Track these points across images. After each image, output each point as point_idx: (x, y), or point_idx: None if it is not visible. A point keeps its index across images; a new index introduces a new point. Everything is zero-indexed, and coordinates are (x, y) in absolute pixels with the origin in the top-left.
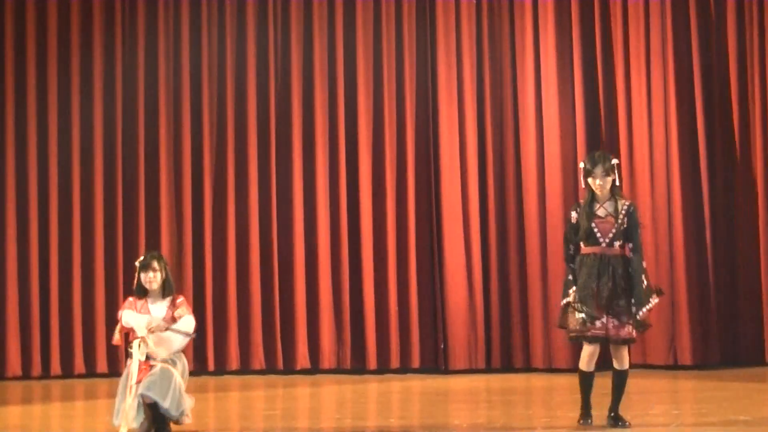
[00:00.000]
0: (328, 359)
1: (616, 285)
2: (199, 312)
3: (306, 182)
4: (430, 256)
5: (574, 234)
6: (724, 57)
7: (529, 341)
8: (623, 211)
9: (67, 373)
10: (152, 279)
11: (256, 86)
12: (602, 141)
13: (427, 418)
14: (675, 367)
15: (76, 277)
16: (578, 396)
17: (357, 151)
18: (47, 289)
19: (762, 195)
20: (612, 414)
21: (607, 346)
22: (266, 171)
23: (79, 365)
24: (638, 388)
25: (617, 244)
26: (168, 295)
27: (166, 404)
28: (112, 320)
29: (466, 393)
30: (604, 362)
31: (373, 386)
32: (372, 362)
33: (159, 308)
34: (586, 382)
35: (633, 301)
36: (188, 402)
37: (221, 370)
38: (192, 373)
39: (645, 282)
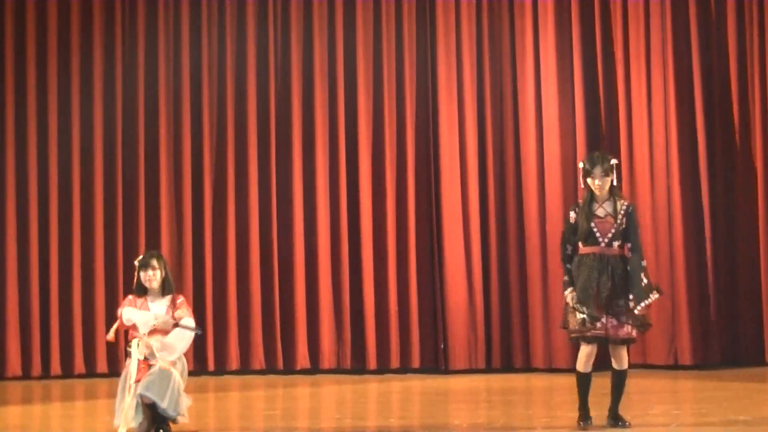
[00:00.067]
0: (328, 359)
1: (615, 285)
2: (199, 312)
3: (306, 182)
4: (430, 256)
5: (572, 234)
6: (724, 57)
7: (529, 341)
8: (622, 212)
9: (67, 373)
10: (152, 277)
11: (256, 86)
12: (602, 141)
13: (427, 418)
14: (675, 367)
15: (76, 277)
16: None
17: (357, 151)
18: (47, 289)
19: (762, 195)
20: (612, 414)
21: (605, 346)
22: (266, 171)
23: (79, 365)
24: (638, 388)
25: (616, 244)
26: (167, 294)
27: (164, 404)
28: (112, 320)
29: (466, 393)
30: (603, 362)
31: (373, 386)
32: (372, 362)
33: (159, 307)
34: (584, 383)
35: (630, 297)
36: (186, 402)
37: (221, 370)
38: (192, 373)
39: (645, 280)
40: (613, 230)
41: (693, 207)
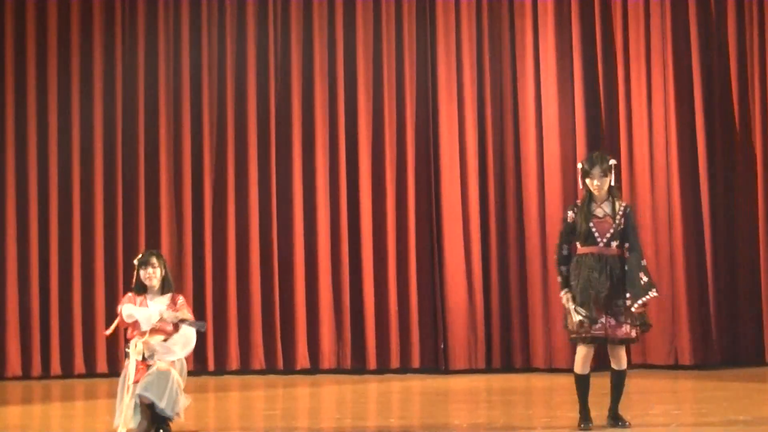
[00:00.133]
0: (328, 359)
1: (613, 284)
2: (199, 312)
3: (306, 182)
4: (430, 256)
5: (569, 233)
6: (724, 57)
7: (529, 341)
8: (620, 212)
9: (67, 373)
10: (152, 275)
11: (256, 86)
12: (602, 141)
13: (427, 418)
14: (675, 367)
15: (76, 277)
16: None
17: (357, 151)
18: (47, 289)
19: (762, 195)
20: (612, 414)
21: (604, 346)
22: (266, 171)
23: (79, 365)
24: (638, 388)
25: (614, 244)
26: (167, 293)
27: (162, 404)
28: (111, 320)
29: (466, 393)
30: (603, 362)
31: (373, 386)
32: (372, 362)
33: (158, 306)
34: (582, 384)
35: (627, 295)
36: (183, 402)
37: (221, 370)
38: (192, 373)
39: (645, 278)
40: (611, 230)
41: (693, 207)
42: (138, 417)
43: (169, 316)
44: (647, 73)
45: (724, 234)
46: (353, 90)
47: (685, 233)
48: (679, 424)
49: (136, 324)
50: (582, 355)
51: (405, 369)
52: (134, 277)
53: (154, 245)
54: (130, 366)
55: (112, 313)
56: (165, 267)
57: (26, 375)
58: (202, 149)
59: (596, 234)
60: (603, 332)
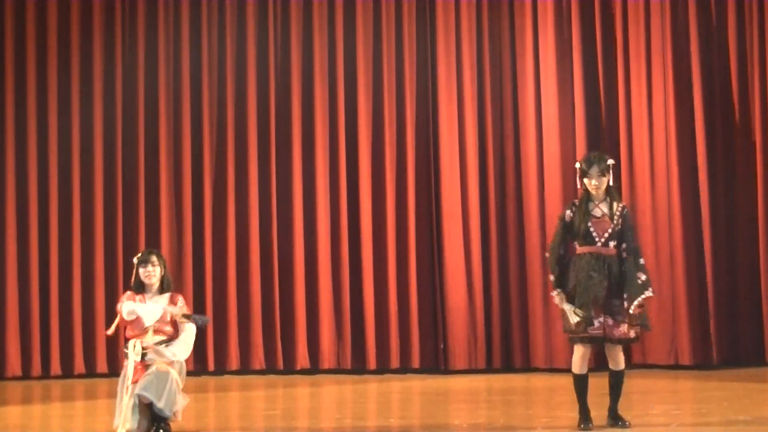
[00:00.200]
0: (328, 359)
1: (611, 284)
2: (199, 312)
3: (306, 182)
4: (430, 256)
5: (566, 232)
6: (724, 57)
7: (529, 341)
8: (618, 213)
9: (67, 373)
10: (151, 273)
11: (256, 86)
12: (602, 141)
13: (427, 418)
14: (675, 367)
15: (76, 277)
16: None
17: (357, 151)
18: (47, 289)
19: (762, 195)
20: (611, 414)
21: (602, 346)
22: (266, 171)
23: (79, 365)
24: (638, 388)
25: (612, 244)
26: (166, 292)
27: (160, 404)
28: (111, 320)
29: (466, 393)
30: (603, 362)
31: (373, 386)
32: (372, 362)
33: (152, 309)
34: (581, 384)
35: (624, 296)
36: (182, 401)
37: (221, 370)
38: (192, 373)
39: (643, 277)
40: (609, 230)
41: (693, 207)
42: (137, 417)
43: (173, 310)
44: (647, 73)
45: (724, 234)
46: (353, 90)
47: (685, 233)
48: (679, 424)
49: (135, 323)
50: (579, 355)
51: (405, 369)
52: (133, 276)
53: (154, 245)
54: (129, 366)
55: (112, 313)
56: (164, 266)
57: (26, 375)
58: (202, 149)
59: (594, 234)
60: (601, 332)
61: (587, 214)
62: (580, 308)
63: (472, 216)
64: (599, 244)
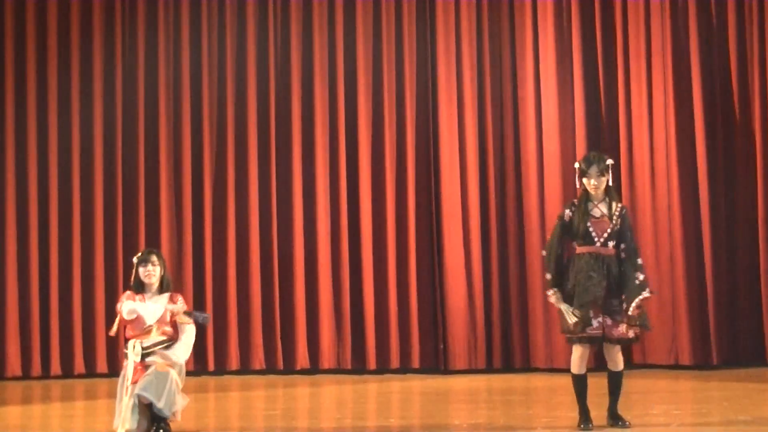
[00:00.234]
0: (328, 359)
1: (610, 284)
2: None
3: (306, 182)
4: (430, 256)
5: (564, 232)
6: (724, 57)
7: (529, 341)
8: (617, 213)
9: (67, 373)
10: (151, 272)
11: (256, 86)
12: (602, 141)
13: (427, 418)
14: (675, 367)
15: (76, 277)
16: None
17: (357, 151)
18: (47, 289)
19: (762, 194)
20: (611, 413)
21: (601, 346)
22: (266, 171)
23: (79, 365)
24: (638, 388)
25: (611, 244)
26: (165, 292)
27: (160, 404)
28: (111, 320)
29: (466, 393)
30: (602, 362)
31: (373, 386)
32: (372, 362)
33: (153, 308)
34: (581, 385)
35: (623, 297)
36: (181, 402)
37: (221, 370)
38: (192, 373)
39: (641, 277)
40: (609, 230)
41: (693, 207)
42: (137, 417)
43: (175, 307)
44: (647, 73)
45: (723, 234)
46: (353, 90)
47: (685, 233)
48: (679, 424)
49: (135, 323)
50: (578, 356)
51: (405, 369)
52: (133, 276)
53: (154, 245)
54: (129, 367)
55: (112, 313)
56: (164, 266)
57: (26, 375)
58: (202, 149)
59: (594, 234)
60: (600, 332)
61: (586, 214)
62: (579, 309)
63: (472, 216)
64: (598, 244)
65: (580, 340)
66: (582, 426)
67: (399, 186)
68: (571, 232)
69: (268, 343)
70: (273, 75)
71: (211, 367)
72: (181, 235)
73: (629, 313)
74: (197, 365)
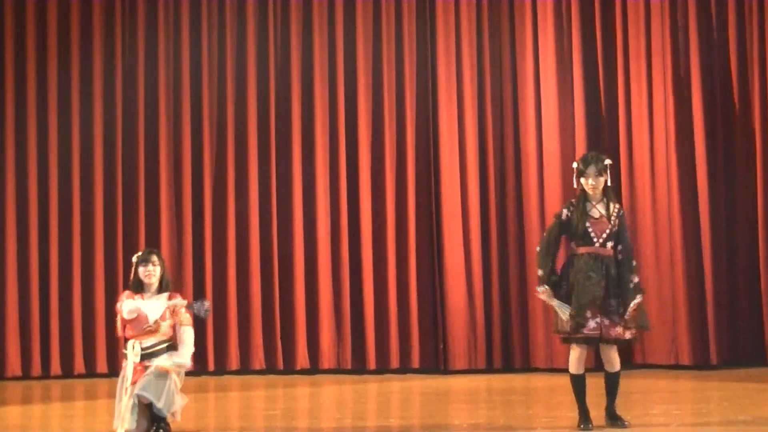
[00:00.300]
0: (328, 359)
1: (608, 285)
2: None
3: (306, 182)
4: (430, 256)
5: (561, 231)
6: (724, 56)
7: (529, 341)
8: (614, 214)
9: (67, 373)
10: (152, 272)
11: (256, 86)
12: (602, 140)
13: (427, 418)
14: (675, 367)
15: (76, 277)
16: None
17: (357, 151)
18: (47, 289)
19: (762, 194)
20: (609, 413)
21: (597, 346)
22: (266, 171)
23: (79, 365)
24: (638, 388)
25: (609, 245)
26: (164, 292)
27: (159, 404)
28: (111, 320)
29: (466, 393)
30: (600, 363)
31: (373, 386)
32: (372, 362)
33: (154, 305)
34: (579, 385)
35: (620, 301)
36: (180, 401)
37: (221, 370)
38: (192, 373)
39: (635, 280)
40: (607, 231)
41: (693, 207)
42: (136, 417)
43: (176, 301)
44: (647, 73)
45: (723, 234)
46: (353, 90)
47: (685, 233)
48: (679, 424)
49: (135, 322)
50: (576, 356)
51: (405, 369)
52: (132, 275)
53: (154, 245)
54: (129, 367)
55: (111, 314)
56: (164, 266)
57: (26, 375)
58: (202, 149)
59: (593, 234)
60: (598, 332)
61: (585, 215)
62: (578, 310)
63: (472, 216)
64: (597, 244)
65: (578, 341)
66: (582, 426)
67: (399, 186)
68: (569, 231)
69: (268, 343)
70: (273, 75)
71: (211, 367)
72: (181, 235)
73: (626, 316)
74: (197, 365)
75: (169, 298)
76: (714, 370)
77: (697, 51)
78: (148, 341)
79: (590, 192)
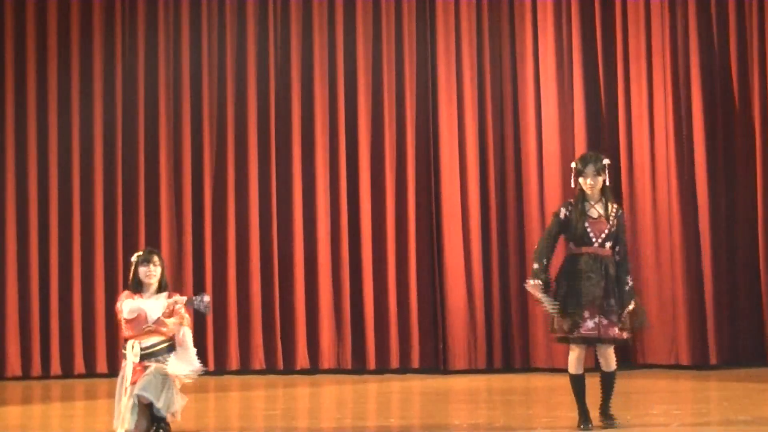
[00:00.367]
0: (328, 359)
1: (607, 285)
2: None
3: (306, 182)
4: (430, 256)
5: (559, 231)
6: (724, 56)
7: (529, 341)
8: (613, 214)
9: (67, 373)
10: (152, 273)
11: (256, 86)
12: (602, 140)
13: (427, 418)
14: (675, 367)
15: (76, 277)
16: None
17: (357, 151)
18: (47, 289)
19: (762, 195)
20: (603, 412)
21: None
22: (266, 171)
23: (79, 365)
24: (638, 388)
25: (608, 245)
26: (163, 292)
27: (159, 404)
28: (111, 320)
29: (466, 393)
30: (599, 363)
31: (373, 386)
32: (372, 362)
33: (155, 304)
34: (578, 385)
35: (618, 301)
36: (179, 401)
37: (221, 370)
38: None
39: (630, 282)
40: (606, 231)
41: (693, 207)
42: (136, 417)
43: (177, 298)
44: (647, 73)
45: (723, 234)
46: (353, 90)
47: (684, 233)
48: (679, 424)
49: (135, 322)
50: (575, 356)
51: (405, 369)
52: (131, 275)
53: (154, 245)
54: (128, 368)
55: (111, 314)
56: (163, 267)
57: (26, 375)
58: (202, 149)
59: (592, 234)
60: (596, 332)
61: (584, 215)
62: (574, 309)
63: (472, 216)
64: (596, 244)
65: (575, 341)
66: (582, 426)
67: (399, 186)
68: (567, 231)
69: (268, 343)
70: (273, 75)
71: (211, 367)
72: (181, 235)
73: (622, 318)
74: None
75: (168, 297)
76: (714, 370)
77: (697, 51)
78: (148, 341)
79: (588, 191)
